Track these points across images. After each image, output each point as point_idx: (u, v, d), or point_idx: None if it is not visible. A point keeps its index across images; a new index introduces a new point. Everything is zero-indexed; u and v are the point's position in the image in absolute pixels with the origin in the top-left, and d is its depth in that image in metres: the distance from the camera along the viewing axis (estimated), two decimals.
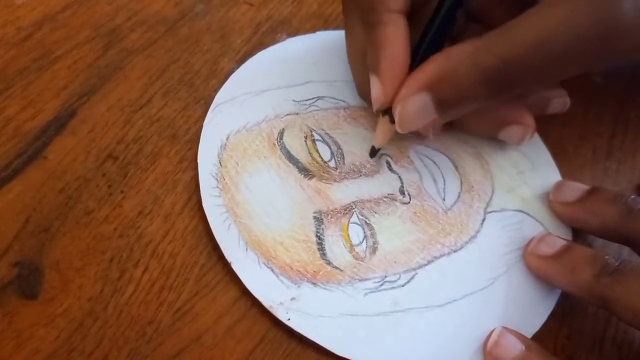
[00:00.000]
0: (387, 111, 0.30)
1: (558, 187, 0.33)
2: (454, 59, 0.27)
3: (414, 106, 0.28)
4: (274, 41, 0.37)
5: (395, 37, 0.29)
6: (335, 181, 0.32)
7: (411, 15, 0.30)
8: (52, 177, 0.31)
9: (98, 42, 0.35)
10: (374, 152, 0.33)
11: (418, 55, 0.29)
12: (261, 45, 0.37)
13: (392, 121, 0.30)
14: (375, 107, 0.30)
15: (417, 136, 0.34)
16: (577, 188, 0.32)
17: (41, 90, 0.33)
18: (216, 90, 0.34)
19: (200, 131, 0.33)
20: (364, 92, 0.34)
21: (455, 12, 0.30)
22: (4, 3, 0.36)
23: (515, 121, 0.33)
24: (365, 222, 0.31)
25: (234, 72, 0.35)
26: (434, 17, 0.29)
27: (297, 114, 0.34)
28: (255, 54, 0.36)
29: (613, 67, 0.40)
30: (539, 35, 0.26)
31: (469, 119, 0.32)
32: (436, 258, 0.31)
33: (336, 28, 0.38)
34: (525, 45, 0.26)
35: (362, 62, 0.31)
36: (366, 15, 0.29)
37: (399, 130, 0.30)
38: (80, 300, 0.28)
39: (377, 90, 0.29)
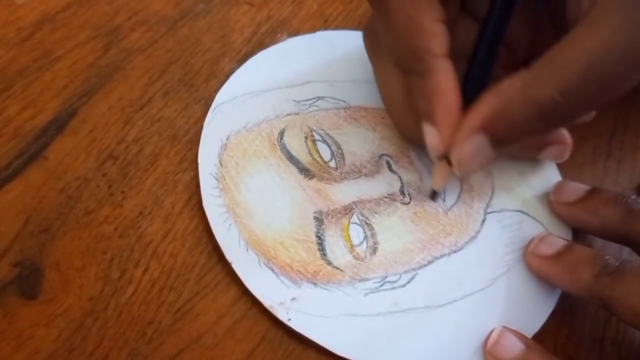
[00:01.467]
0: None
1: (558, 187, 0.33)
2: (505, 97, 0.26)
3: (472, 149, 0.28)
4: (274, 41, 0.37)
5: (446, 84, 0.28)
6: (335, 181, 0.32)
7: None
8: (53, 177, 0.31)
9: (98, 42, 0.35)
10: (434, 195, 0.32)
11: (467, 94, 0.28)
12: (261, 45, 0.37)
13: (449, 162, 0.29)
14: (432, 154, 0.29)
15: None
16: (577, 188, 0.32)
17: (41, 90, 0.33)
18: (216, 91, 0.34)
19: (201, 131, 0.33)
20: (407, 133, 0.33)
21: (499, 42, 0.29)
22: (4, 3, 0.36)
23: (556, 141, 0.33)
24: (366, 222, 0.31)
25: (234, 72, 0.35)
26: (477, 50, 0.29)
27: (297, 114, 0.34)
28: (255, 54, 0.36)
29: None
30: (589, 58, 0.25)
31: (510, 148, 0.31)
32: (436, 258, 0.31)
33: (336, 28, 0.38)
34: (577, 71, 0.25)
35: (401, 104, 0.31)
36: (410, 63, 0.28)
37: (457, 174, 0.29)
38: (80, 300, 0.28)
39: (434, 139, 0.29)
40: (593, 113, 0.33)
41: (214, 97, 0.34)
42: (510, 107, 0.26)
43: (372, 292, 0.30)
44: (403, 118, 0.32)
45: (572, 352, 0.30)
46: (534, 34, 0.31)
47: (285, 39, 0.37)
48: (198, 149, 0.32)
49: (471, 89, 0.28)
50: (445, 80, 0.28)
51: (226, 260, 0.29)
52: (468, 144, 0.28)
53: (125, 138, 0.32)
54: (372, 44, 0.32)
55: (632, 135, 0.38)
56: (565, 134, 0.32)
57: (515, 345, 0.28)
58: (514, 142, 0.28)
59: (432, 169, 0.32)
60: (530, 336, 0.30)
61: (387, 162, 0.33)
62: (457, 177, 0.31)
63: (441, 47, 0.28)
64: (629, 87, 0.27)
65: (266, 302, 0.28)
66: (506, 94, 0.26)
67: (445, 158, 0.29)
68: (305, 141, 0.33)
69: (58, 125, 0.32)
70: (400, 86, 0.30)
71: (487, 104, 0.27)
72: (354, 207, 0.31)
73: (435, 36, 0.28)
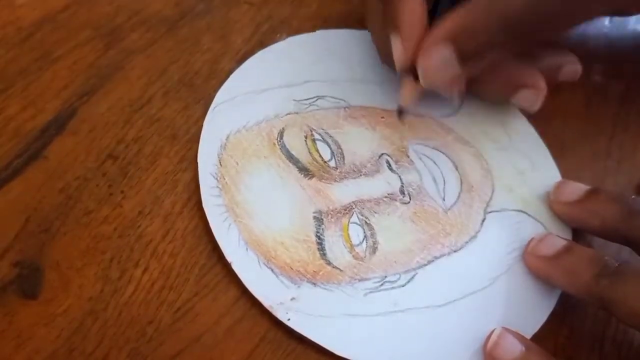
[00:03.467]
0: (411, 71, 0.30)
1: (558, 187, 0.33)
2: (471, 11, 0.28)
3: (437, 58, 0.28)
4: (274, 41, 0.37)
5: None
6: (335, 181, 0.32)
7: None
8: (52, 177, 0.31)
9: (98, 42, 0.35)
10: (401, 112, 0.33)
11: (436, 12, 0.30)
12: (261, 45, 0.37)
13: (416, 79, 0.30)
14: (398, 66, 0.30)
15: (441, 115, 0.34)
16: (577, 188, 0.32)
17: (41, 90, 0.33)
18: (216, 90, 0.34)
19: (200, 131, 0.33)
20: (386, 57, 0.33)
21: None
22: (4, 3, 0.36)
23: (529, 84, 0.33)
24: (365, 222, 0.31)
25: (234, 71, 0.35)
26: None
27: (297, 113, 0.34)
28: (255, 53, 0.36)
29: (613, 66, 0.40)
30: None
31: (484, 83, 0.32)
32: (436, 258, 0.31)
33: (336, 28, 0.38)
34: None
35: (380, 25, 0.32)
36: None
37: (423, 84, 0.30)
38: (80, 300, 0.28)
39: (398, 48, 0.30)
40: (578, 71, 0.33)
41: (214, 97, 0.34)
42: (476, 19, 0.28)
43: (371, 292, 0.30)
44: (382, 40, 0.32)
45: (572, 352, 0.30)
46: None
47: (285, 39, 0.37)
48: (198, 148, 0.32)
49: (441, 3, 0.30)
50: None
51: (226, 260, 0.29)
52: (433, 53, 0.28)
53: (125, 138, 0.32)
54: None
55: (632, 135, 0.38)
56: (539, 79, 0.32)
57: (515, 347, 0.28)
58: (479, 57, 0.29)
59: (400, 85, 0.32)
60: (529, 336, 0.30)
61: (387, 162, 0.33)
62: (422, 94, 0.31)
63: None
64: (592, 14, 0.28)
65: (266, 302, 0.28)
66: (473, 7, 0.28)
67: (413, 74, 0.30)
68: (305, 140, 0.33)
69: (58, 125, 0.32)
70: (380, 7, 0.31)
71: (453, 16, 0.28)
72: (354, 206, 0.31)
73: None
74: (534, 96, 0.33)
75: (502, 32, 0.28)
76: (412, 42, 0.29)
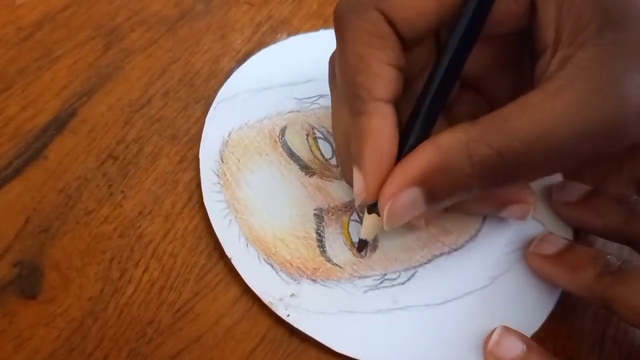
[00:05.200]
0: (373, 205, 0.27)
1: (560, 187, 0.33)
2: (445, 150, 0.24)
3: (403, 202, 0.25)
4: (274, 41, 0.37)
5: (380, 129, 0.26)
6: (336, 179, 0.32)
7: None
8: (52, 177, 0.31)
9: (98, 42, 0.35)
10: (362, 246, 0.30)
11: (407, 142, 0.26)
12: (261, 45, 0.37)
13: (378, 214, 0.27)
14: (357, 202, 0.27)
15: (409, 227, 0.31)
16: (579, 188, 0.32)
17: (41, 90, 0.33)
18: (216, 90, 0.34)
19: (201, 131, 0.33)
20: (348, 179, 0.30)
21: (446, 95, 0.27)
22: (4, 3, 0.36)
23: (517, 200, 0.30)
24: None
25: (234, 71, 0.35)
26: (423, 97, 0.26)
27: (298, 111, 0.34)
28: (255, 53, 0.36)
29: None
30: (538, 129, 0.23)
31: (467, 202, 0.28)
32: (436, 256, 0.31)
33: None
34: (523, 139, 0.24)
35: (347, 146, 0.28)
36: (350, 102, 0.26)
37: (385, 228, 0.27)
38: (80, 300, 0.28)
39: (359, 185, 0.26)
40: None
41: (214, 97, 0.34)
42: (449, 161, 0.24)
43: (371, 290, 0.30)
44: (345, 159, 0.29)
45: (572, 352, 0.30)
46: (505, 76, 0.29)
47: (285, 39, 0.37)
48: (198, 148, 0.32)
49: (411, 136, 0.26)
50: (379, 125, 0.26)
51: (226, 258, 0.29)
52: (400, 198, 0.25)
53: (125, 138, 0.32)
54: (331, 74, 0.30)
55: None
56: (528, 193, 0.30)
57: (516, 346, 0.28)
58: (450, 200, 0.26)
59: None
60: (529, 335, 0.30)
61: None
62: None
63: (384, 91, 0.26)
64: (573, 166, 0.26)
65: (265, 298, 0.28)
66: (447, 147, 0.24)
67: (374, 211, 0.27)
68: (307, 138, 0.33)
69: (58, 125, 0.32)
70: (346, 123, 0.27)
71: (424, 156, 0.25)
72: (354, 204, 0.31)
73: (380, 79, 0.26)
74: (524, 210, 0.30)
75: (478, 178, 0.25)
76: (374, 182, 0.26)
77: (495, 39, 0.28)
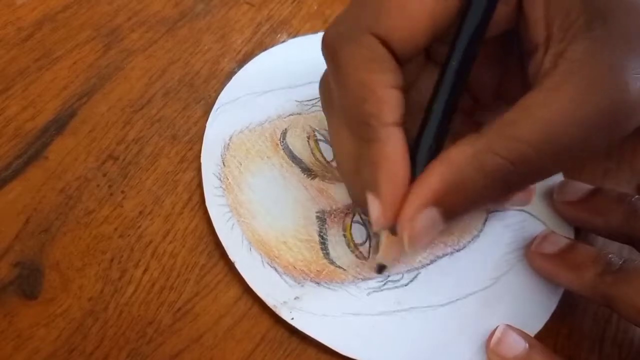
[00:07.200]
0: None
1: (562, 186, 0.33)
2: (456, 167, 0.24)
3: (423, 225, 0.25)
4: (274, 41, 0.37)
5: (394, 155, 0.25)
6: (338, 181, 0.32)
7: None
8: (53, 177, 0.31)
9: (98, 42, 0.35)
10: (381, 269, 0.30)
11: (417, 162, 0.26)
12: (261, 45, 0.37)
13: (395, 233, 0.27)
14: (375, 228, 0.27)
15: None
16: (581, 188, 0.32)
17: (41, 91, 0.33)
18: (216, 91, 0.34)
19: (201, 131, 0.33)
20: (356, 197, 0.29)
21: (453, 112, 0.26)
22: (4, 3, 0.36)
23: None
24: (369, 221, 0.31)
25: (234, 72, 0.35)
26: (431, 114, 0.26)
27: (299, 114, 0.34)
28: (255, 54, 0.36)
29: None
30: (545, 129, 0.23)
31: None
32: (439, 257, 0.31)
33: None
34: (532, 142, 0.24)
35: (351, 166, 0.28)
36: (358, 129, 0.26)
37: (407, 249, 0.26)
38: (80, 300, 0.28)
39: (376, 212, 0.26)
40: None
41: (214, 97, 0.34)
42: (462, 178, 0.24)
43: (375, 291, 0.30)
44: (354, 184, 0.29)
45: (572, 352, 0.30)
46: (500, 80, 0.29)
47: (285, 39, 0.37)
48: (198, 149, 0.32)
49: (422, 155, 0.26)
50: (393, 151, 0.25)
51: (227, 260, 0.29)
52: (419, 220, 0.25)
53: (125, 138, 0.32)
54: (327, 99, 0.29)
55: (632, 137, 0.37)
56: None
57: (518, 344, 0.28)
58: (467, 213, 0.26)
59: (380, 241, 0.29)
60: (532, 335, 0.30)
61: None
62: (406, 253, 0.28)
63: (392, 115, 0.26)
64: (584, 158, 0.26)
65: (270, 302, 0.28)
66: (457, 163, 0.25)
67: (391, 231, 0.27)
68: (308, 141, 0.33)
69: (58, 126, 0.32)
70: (352, 148, 0.27)
71: (437, 176, 0.25)
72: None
73: (386, 103, 0.25)
74: (526, 198, 0.31)
75: (492, 189, 0.25)
76: (393, 207, 0.25)
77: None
